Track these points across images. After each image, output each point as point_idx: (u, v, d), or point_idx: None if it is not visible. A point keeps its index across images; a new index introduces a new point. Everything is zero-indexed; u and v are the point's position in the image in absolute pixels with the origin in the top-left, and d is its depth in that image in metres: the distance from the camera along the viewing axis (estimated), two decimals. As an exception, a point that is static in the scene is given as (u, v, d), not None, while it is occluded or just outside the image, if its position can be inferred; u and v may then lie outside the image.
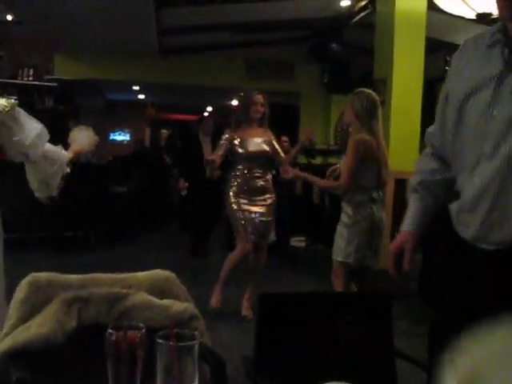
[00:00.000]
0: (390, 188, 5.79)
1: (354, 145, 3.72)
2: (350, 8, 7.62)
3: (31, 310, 1.62)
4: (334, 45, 8.71)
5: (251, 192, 4.70)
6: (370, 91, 3.86)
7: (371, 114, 3.75)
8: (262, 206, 4.74)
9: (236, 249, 4.74)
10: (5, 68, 9.13)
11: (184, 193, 8.49)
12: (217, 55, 10.03)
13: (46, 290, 1.64)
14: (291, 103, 10.55)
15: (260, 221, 4.72)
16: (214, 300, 4.70)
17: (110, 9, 7.07)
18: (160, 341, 0.95)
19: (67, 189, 7.75)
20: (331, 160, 8.93)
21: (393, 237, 5.61)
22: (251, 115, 4.72)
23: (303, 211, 7.51)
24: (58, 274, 1.70)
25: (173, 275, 1.79)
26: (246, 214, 4.66)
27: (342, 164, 3.91)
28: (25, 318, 1.62)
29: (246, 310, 4.66)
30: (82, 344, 1.54)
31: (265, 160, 4.80)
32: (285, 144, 8.09)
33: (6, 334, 1.60)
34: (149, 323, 1.55)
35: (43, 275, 1.68)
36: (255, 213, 4.69)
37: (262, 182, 4.75)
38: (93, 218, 8.00)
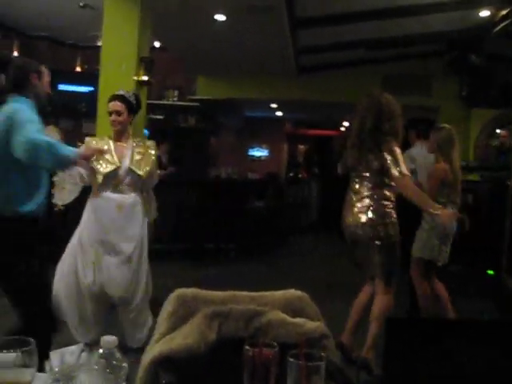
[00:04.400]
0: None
1: (436, 172, 4.70)
2: (490, 18, 7.35)
3: (178, 321, 1.80)
4: (473, 56, 8.41)
5: None
6: (449, 127, 4.83)
7: (451, 147, 4.69)
8: None
9: (386, 294, 4.07)
10: (152, 91, 9.81)
11: None
12: (352, 72, 10.06)
13: (191, 304, 1.81)
14: (429, 118, 10.30)
15: None
16: None
17: (248, 31, 7.40)
18: (291, 360, 1.07)
19: (209, 203, 8.18)
20: (471, 177, 8.59)
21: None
22: None
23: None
24: (201, 290, 1.87)
25: (306, 295, 1.89)
26: None
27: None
28: (172, 329, 1.80)
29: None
30: (222, 355, 1.68)
31: None
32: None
33: (156, 341, 1.79)
34: (282, 339, 1.68)
35: (189, 291, 1.85)
36: None
37: None
38: (233, 230, 8.35)
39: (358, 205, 4.01)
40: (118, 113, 4.07)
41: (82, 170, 3.93)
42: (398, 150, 3.90)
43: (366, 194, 4.00)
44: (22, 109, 3.08)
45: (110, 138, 4.19)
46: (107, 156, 4.00)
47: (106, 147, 4.03)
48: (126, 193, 4.12)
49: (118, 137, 4.14)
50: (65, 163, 3.26)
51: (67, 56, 10.00)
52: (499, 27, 7.42)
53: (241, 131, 14.04)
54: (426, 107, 10.10)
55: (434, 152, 4.86)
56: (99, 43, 7.88)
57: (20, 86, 3.16)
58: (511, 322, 1.72)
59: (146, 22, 5.64)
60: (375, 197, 3.98)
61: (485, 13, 7.20)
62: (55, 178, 4.06)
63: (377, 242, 3.94)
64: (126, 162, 4.05)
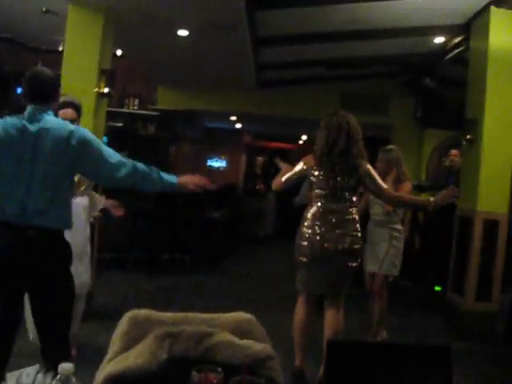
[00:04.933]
0: (478, 229, 5.76)
1: (406, 189, 5.12)
2: (444, 44, 7.65)
3: (130, 341, 1.88)
4: (427, 80, 8.73)
5: None
6: (396, 147, 5.44)
7: (402, 165, 5.27)
8: None
9: (339, 312, 4.21)
10: (113, 99, 9.81)
11: None
12: (312, 88, 10.27)
13: (143, 325, 1.90)
14: (383, 136, 10.58)
15: None
16: None
17: (210, 47, 7.50)
18: (233, 386, 1.17)
19: (166, 212, 8.17)
20: (423, 196, 8.86)
21: (481, 278, 5.58)
22: None
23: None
24: (154, 312, 1.95)
25: (253, 318, 2.00)
26: None
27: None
28: (125, 348, 1.87)
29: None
30: (172, 375, 1.77)
31: None
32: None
33: (109, 360, 1.87)
34: (229, 360, 1.78)
35: (142, 312, 1.94)
36: None
37: None
38: (189, 241, 8.39)
39: (334, 221, 4.03)
40: (72, 121, 4.07)
41: None
42: (371, 168, 4.12)
43: (345, 214, 4.06)
44: (76, 126, 3.02)
45: None
46: None
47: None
48: (84, 195, 4.24)
49: None
50: (167, 188, 3.19)
51: (28, 59, 9.89)
52: (452, 53, 7.74)
53: (200, 141, 14.10)
54: (381, 125, 10.37)
55: (385, 172, 5.06)
56: (61, 48, 7.84)
57: (49, 98, 3.01)
58: (443, 346, 1.85)
59: (108, 34, 5.69)
60: (350, 216, 4.07)
61: (439, 39, 7.49)
62: None
63: (351, 263, 4.07)
64: None
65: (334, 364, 1.73)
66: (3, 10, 7.75)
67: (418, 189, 8.71)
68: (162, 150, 11.65)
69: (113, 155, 2.99)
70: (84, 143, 2.91)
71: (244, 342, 1.88)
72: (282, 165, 4.48)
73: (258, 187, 14.42)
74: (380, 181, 4.12)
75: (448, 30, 7.11)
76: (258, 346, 1.88)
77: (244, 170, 15.78)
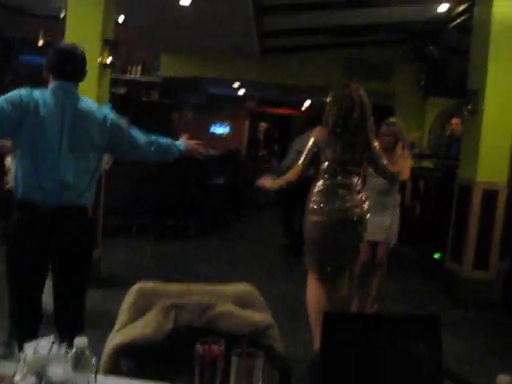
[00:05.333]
0: (477, 199, 5.83)
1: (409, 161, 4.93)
2: (448, 12, 7.62)
3: (138, 312, 1.98)
4: (431, 48, 8.71)
5: None
6: (398, 119, 5.31)
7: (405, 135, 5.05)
8: None
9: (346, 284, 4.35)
10: (116, 65, 9.80)
11: None
12: (315, 55, 10.25)
13: (150, 296, 2.00)
14: (386, 104, 10.58)
15: None
16: None
17: (213, 14, 7.47)
18: (234, 358, 1.27)
19: (169, 178, 8.22)
20: (425, 164, 8.94)
21: (480, 247, 5.63)
22: None
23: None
24: (160, 284, 2.05)
25: (254, 289, 2.10)
26: None
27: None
28: (132, 319, 1.98)
29: None
30: (177, 344, 1.88)
31: None
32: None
33: (118, 330, 1.98)
34: (231, 330, 1.89)
35: (149, 284, 2.04)
36: None
37: None
38: (193, 207, 8.49)
39: (343, 194, 4.04)
40: None
41: None
42: (378, 146, 4.16)
43: (354, 187, 4.08)
44: (107, 109, 3.09)
45: None
46: None
47: None
48: None
49: None
50: (179, 155, 3.29)
51: (29, 26, 9.84)
52: (456, 21, 7.71)
53: (203, 108, 14.09)
54: (384, 93, 10.36)
55: (393, 145, 4.89)
56: (62, 15, 7.78)
57: (80, 77, 2.96)
58: (433, 316, 1.95)
59: (111, 3, 5.68)
60: (357, 188, 4.10)
61: (443, 7, 7.44)
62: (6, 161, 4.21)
63: (363, 233, 4.16)
64: None
65: (330, 335, 1.84)
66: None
67: (419, 157, 8.76)
68: (165, 117, 11.66)
69: (140, 135, 3.07)
70: (117, 125, 2.98)
71: (245, 312, 1.99)
72: (267, 182, 4.47)
73: (260, 153, 14.45)
74: (385, 161, 4.19)
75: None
76: (259, 316, 1.99)
77: (247, 136, 15.79)
